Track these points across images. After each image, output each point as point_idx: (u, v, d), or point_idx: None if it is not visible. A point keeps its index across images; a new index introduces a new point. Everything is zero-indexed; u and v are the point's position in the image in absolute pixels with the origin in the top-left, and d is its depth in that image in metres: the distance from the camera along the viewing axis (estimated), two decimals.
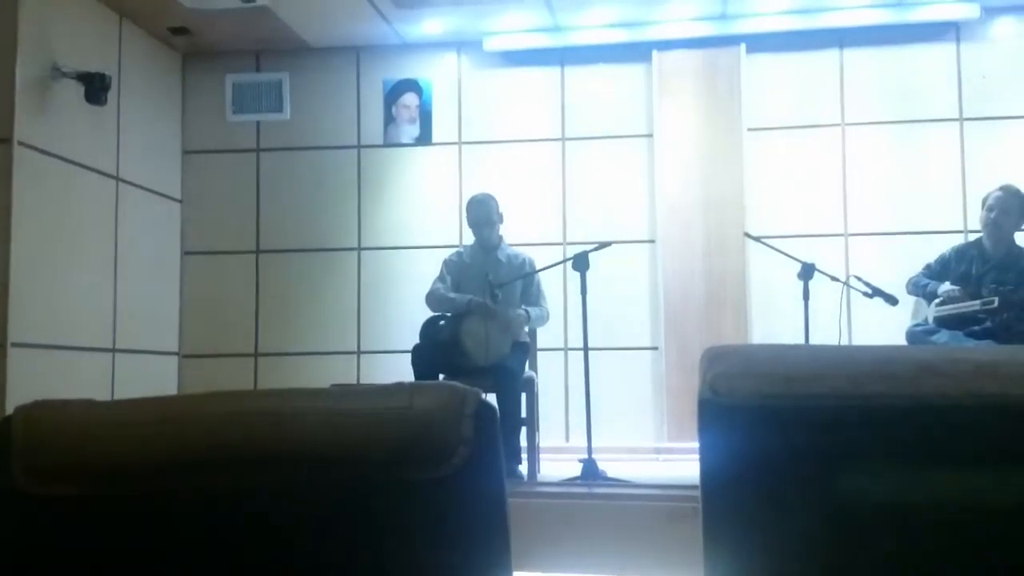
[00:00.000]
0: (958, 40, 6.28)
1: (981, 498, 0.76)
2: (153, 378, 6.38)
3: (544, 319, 5.07)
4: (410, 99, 6.76)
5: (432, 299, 5.01)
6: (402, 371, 5.11)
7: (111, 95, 5.77)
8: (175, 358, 6.77)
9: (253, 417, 0.88)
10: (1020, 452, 0.77)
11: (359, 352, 6.67)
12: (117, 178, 6.17)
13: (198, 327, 6.79)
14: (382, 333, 6.60)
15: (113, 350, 6.07)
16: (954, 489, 0.76)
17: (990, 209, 4.86)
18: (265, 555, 0.86)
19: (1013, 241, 4.89)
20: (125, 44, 6.27)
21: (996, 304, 4.59)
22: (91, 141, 5.91)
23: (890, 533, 0.77)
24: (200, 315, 6.80)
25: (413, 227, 6.69)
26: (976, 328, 4.63)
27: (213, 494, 0.84)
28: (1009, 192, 4.85)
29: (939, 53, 6.29)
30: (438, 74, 6.77)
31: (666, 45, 6.47)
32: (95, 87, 5.61)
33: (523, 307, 4.94)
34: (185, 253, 6.87)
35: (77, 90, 5.60)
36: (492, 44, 6.61)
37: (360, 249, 6.75)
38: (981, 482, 0.76)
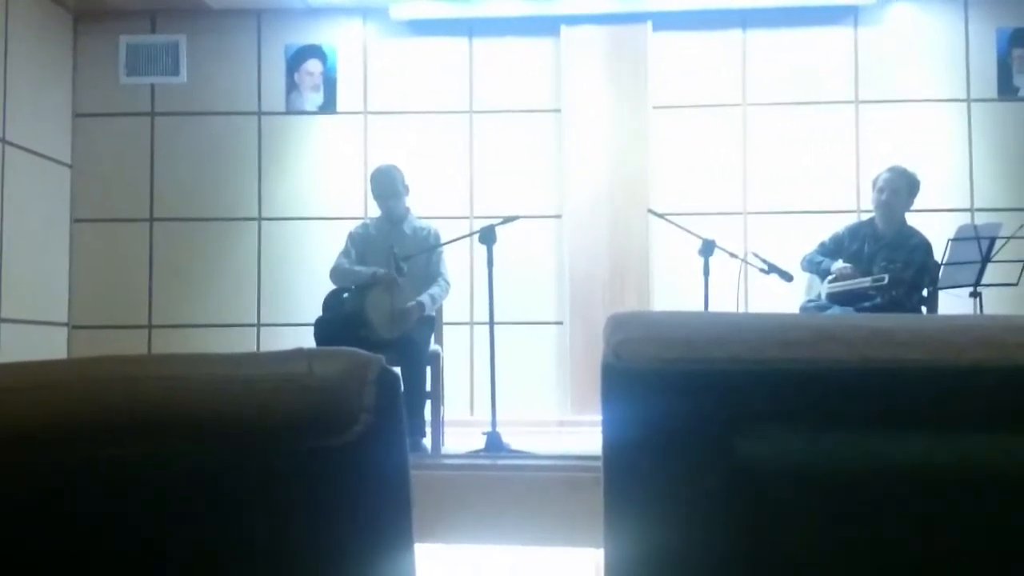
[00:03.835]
0: (856, 24, 6.46)
1: (877, 460, 0.78)
2: (41, 349, 6.14)
3: (442, 296, 5.00)
4: (313, 66, 6.61)
5: (336, 273, 4.94)
6: (304, 344, 5.02)
7: None
8: (64, 329, 6.52)
9: (142, 383, 0.85)
10: (913, 416, 0.79)
11: (259, 325, 6.54)
12: (3, 141, 5.89)
13: (89, 297, 6.55)
14: (283, 306, 6.48)
15: None
16: (851, 452, 0.78)
17: (880, 190, 5.03)
18: (155, 527, 0.82)
19: (904, 221, 5.07)
20: (12, 2, 5.96)
21: (886, 282, 4.77)
22: None
23: (790, 496, 0.79)
24: (91, 285, 6.56)
25: (316, 198, 6.57)
26: (867, 304, 4.81)
27: (97, 464, 0.80)
28: (897, 173, 5.03)
29: (837, 36, 6.46)
30: (343, 41, 6.63)
31: (574, 20, 6.47)
32: None
33: (417, 299, 4.77)
34: (75, 220, 6.61)
35: None
36: (399, 12, 6.50)
37: (260, 219, 6.60)
38: (877, 445, 0.78)
